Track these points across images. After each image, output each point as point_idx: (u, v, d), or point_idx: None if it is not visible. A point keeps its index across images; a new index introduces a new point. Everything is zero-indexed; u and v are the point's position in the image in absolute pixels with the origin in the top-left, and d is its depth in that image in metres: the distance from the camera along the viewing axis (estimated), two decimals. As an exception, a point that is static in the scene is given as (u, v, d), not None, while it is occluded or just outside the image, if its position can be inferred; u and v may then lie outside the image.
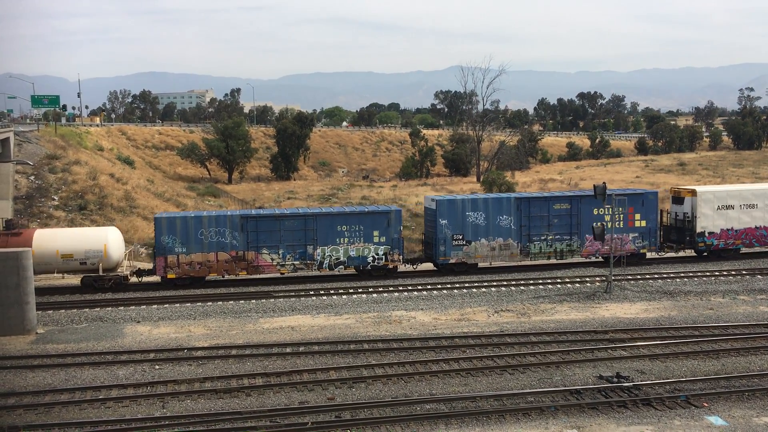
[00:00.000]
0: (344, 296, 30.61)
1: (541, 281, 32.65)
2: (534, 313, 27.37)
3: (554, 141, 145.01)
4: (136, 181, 62.17)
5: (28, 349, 23.73)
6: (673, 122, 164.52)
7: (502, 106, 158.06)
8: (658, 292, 30.49)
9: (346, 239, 33.10)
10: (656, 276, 33.44)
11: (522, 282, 32.54)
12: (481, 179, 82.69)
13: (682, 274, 33.61)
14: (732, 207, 36.33)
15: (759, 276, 33.37)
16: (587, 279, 33.05)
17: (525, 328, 25.03)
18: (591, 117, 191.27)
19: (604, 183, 31.72)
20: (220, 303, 29.73)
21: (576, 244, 35.06)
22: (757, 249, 38.13)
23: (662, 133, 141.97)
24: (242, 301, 29.96)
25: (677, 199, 37.54)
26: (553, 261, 35.39)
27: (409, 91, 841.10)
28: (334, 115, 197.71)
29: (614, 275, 31.43)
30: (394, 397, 18.77)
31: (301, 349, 23.00)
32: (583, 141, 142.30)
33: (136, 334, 25.35)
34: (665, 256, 37.50)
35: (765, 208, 36.80)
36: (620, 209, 34.66)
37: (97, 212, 46.92)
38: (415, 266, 35.42)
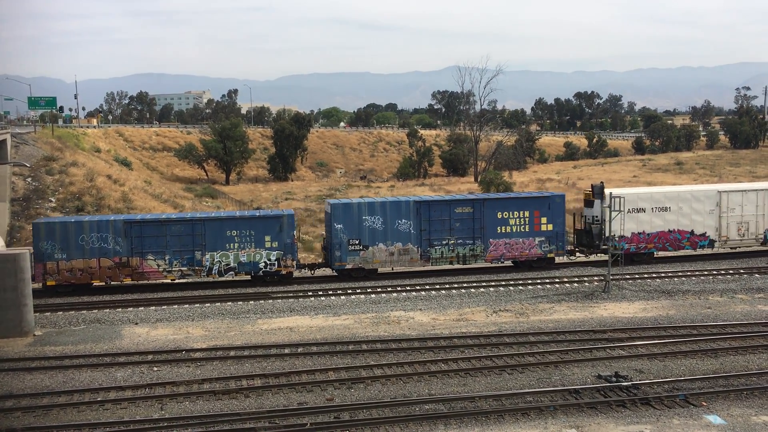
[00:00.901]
0: (342, 297, 30.59)
1: (539, 281, 32.66)
2: (532, 313, 27.37)
3: (551, 141, 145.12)
4: (133, 183, 62.08)
5: (26, 351, 23.67)
6: (670, 121, 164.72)
7: (499, 106, 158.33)
8: (656, 291, 30.52)
9: (236, 244, 32.25)
10: (654, 275, 33.47)
11: (520, 282, 32.55)
12: (479, 179, 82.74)
13: (680, 273, 33.65)
14: (644, 210, 35.35)
15: (757, 275, 33.41)
16: (585, 278, 33.07)
17: (523, 328, 25.03)
18: (588, 117, 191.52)
19: (601, 182, 31.78)
20: (218, 304, 29.70)
21: (480, 249, 34.04)
22: (676, 253, 37.25)
23: (659, 133, 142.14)
24: (240, 302, 29.93)
25: (588, 202, 36.41)
26: (456, 266, 34.69)
27: (406, 92, 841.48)
28: (331, 116, 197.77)
29: (612, 275, 31.45)
30: (393, 398, 18.76)
31: (300, 350, 22.98)
32: (580, 141, 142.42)
33: (134, 336, 25.31)
34: (576, 260, 36.65)
35: (679, 212, 35.80)
36: (525, 213, 34.17)
37: (94, 214, 46.80)
38: (312, 272, 34.68)
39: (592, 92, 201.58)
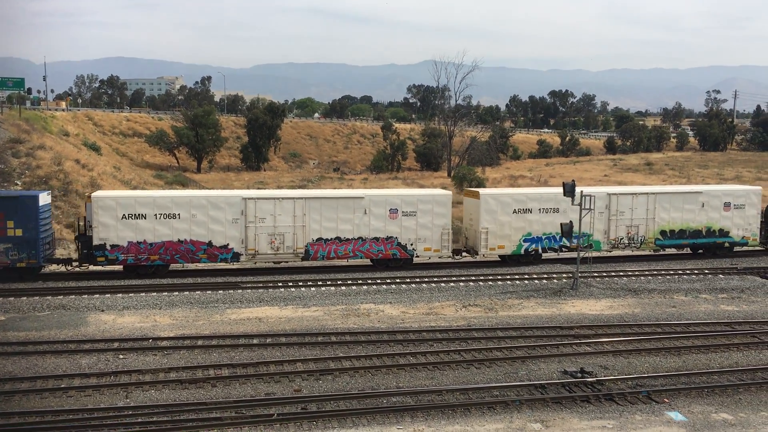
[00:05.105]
0: (313, 288, 30.51)
1: (509, 277, 32.92)
2: (501, 308, 27.59)
3: (525, 138, 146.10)
4: (102, 168, 61.12)
5: (-13, 337, 23.21)
6: (641, 122, 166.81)
7: (474, 102, 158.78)
8: (622, 289, 30.96)
9: None
10: (621, 273, 33.94)
11: (490, 277, 32.76)
12: (452, 174, 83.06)
13: (647, 272, 34.18)
14: (144, 216, 30.99)
15: (721, 275, 34.06)
16: (554, 275, 33.41)
17: (492, 323, 25.23)
18: (562, 115, 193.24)
19: (573, 181, 32.04)
20: (187, 293, 29.41)
21: None
22: (201, 266, 33.68)
23: (630, 133, 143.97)
24: (209, 291, 29.69)
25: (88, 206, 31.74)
26: None
27: (381, 84, 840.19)
28: (305, 106, 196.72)
29: (581, 272, 31.82)
30: (361, 390, 18.79)
31: (268, 340, 22.89)
32: (553, 139, 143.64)
33: (99, 323, 24.98)
34: (75, 271, 32.19)
35: (191, 219, 31.34)
36: None
37: (61, 198, 46.02)
38: None
39: (567, 91, 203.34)
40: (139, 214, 31.13)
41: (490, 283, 31.88)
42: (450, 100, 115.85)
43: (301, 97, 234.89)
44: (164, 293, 29.27)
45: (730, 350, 22.70)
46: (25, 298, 28.27)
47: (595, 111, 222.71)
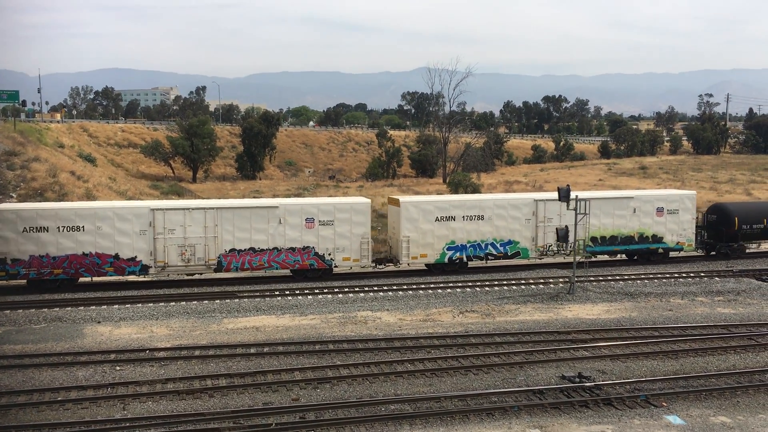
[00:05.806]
0: (309, 296, 30.49)
1: (505, 282, 32.94)
2: (498, 314, 27.60)
3: (519, 143, 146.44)
4: (97, 179, 61.07)
5: (-17, 350, 23.11)
6: (635, 126, 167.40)
7: (468, 108, 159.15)
8: (619, 293, 31.00)
9: None
10: (617, 277, 33.99)
11: (487, 283, 32.79)
12: (447, 180, 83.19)
13: (643, 276, 34.24)
14: (47, 229, 30.28)
15: (717, 278, 34.14)
16: (551, 280, 33.44)
17: (489, 329, 25.23)
18: (556, 120, 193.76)
19: (567, 186, 32.11)
20: (184, 303, 29.35)
21: None
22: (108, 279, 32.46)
23: (624, 137, 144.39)
24: (206, 301, 29.63)
25: None
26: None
27: (376, 92, 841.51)
28: (300, 115, 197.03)
29: (577, 277, 31.86)
30: (359, 398, 18.76)
31: (266, 349, 22.84)
32: (547, 144, 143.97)
33: (96, 335, 24.90)
34: None
35: (96, 232, 30.68)
36: None
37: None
38: None
39: (560, 96, 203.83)
40: (40, 227, 30.39)
41: (487, 288, 31.89)
42: (444, 106, 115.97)
43: (295, 105, 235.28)
44: (161, 304, 29.20)
45: (727, 353, 22.74)
46: (21, 310, 28.18)
47: (589, 116, 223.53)
